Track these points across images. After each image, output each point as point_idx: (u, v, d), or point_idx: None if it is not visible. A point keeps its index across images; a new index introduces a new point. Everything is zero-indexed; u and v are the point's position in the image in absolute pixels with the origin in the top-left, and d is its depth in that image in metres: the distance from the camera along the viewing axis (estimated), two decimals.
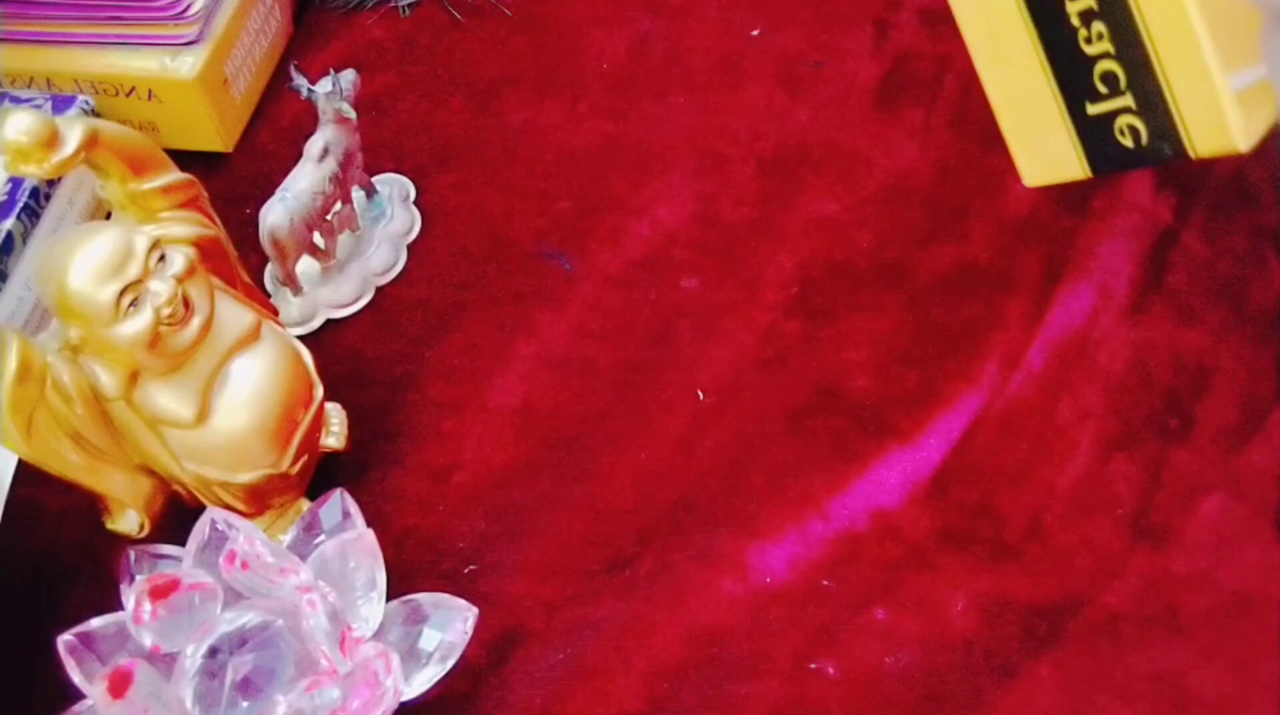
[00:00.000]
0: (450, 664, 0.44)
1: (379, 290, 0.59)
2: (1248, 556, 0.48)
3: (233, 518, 0.44)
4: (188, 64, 0.62)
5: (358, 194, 0.60)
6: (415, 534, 0.51)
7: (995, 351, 0.54)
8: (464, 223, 0.61)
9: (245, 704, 0.41)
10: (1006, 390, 0.53)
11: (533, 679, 0.47)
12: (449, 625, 0.44)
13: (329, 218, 0.57)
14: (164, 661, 0.42)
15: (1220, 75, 0.40)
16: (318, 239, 0.57)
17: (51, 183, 0.58)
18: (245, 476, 0.46)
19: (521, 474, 0.53)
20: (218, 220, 0.48)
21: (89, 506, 0.48)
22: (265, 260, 0.57)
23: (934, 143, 0.61)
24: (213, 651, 0.42)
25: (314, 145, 0.55)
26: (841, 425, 0.53)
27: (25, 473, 0.50)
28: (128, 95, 0.63)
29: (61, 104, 0.60)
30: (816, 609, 0.48)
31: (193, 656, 0.42)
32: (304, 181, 0.55)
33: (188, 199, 0.46)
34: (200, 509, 0.45)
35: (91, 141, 0.41)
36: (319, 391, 0.49)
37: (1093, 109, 0.44)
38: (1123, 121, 0.44)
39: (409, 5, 0.72)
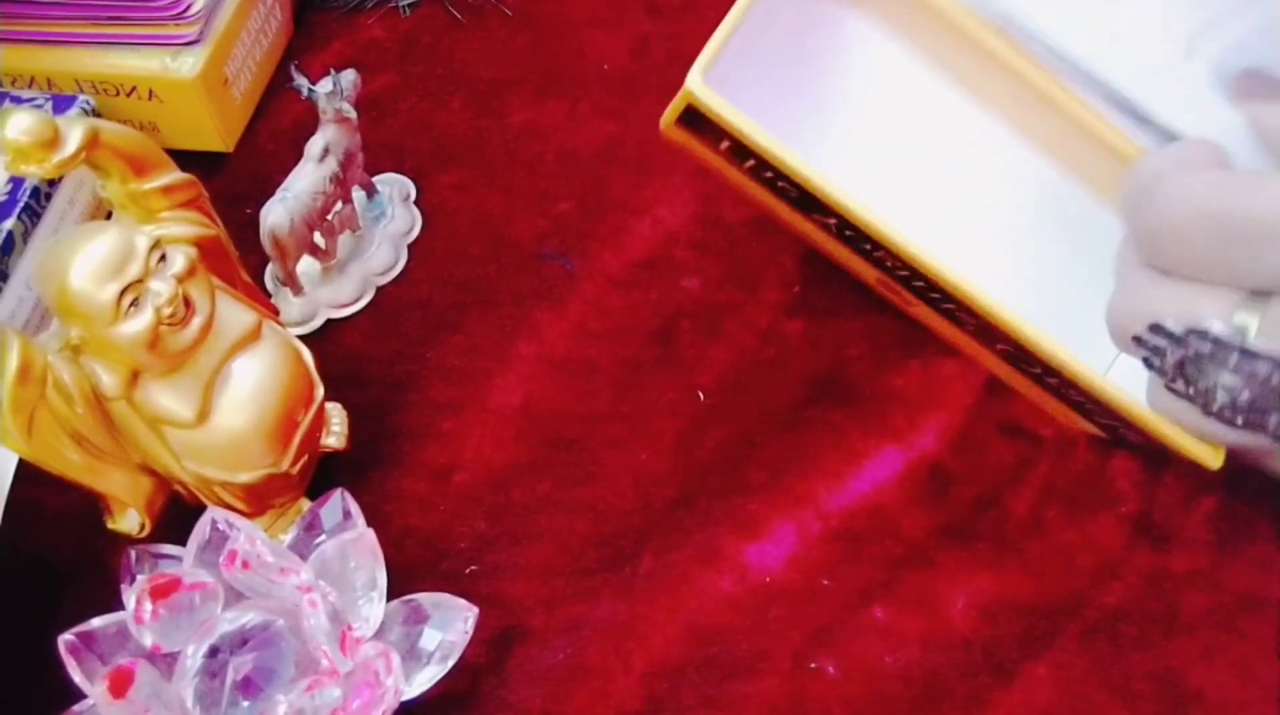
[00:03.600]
0: (450, 664, 0.44)
1: (379, 290, 0.59)
2: (1248, 555, 0.48)
3: (233, 517, 0.44)
4: (188, 64, 0.62)
5: (358, 194, 0.60)
6: (415, 534, 0.51)
7: None
8: (464, 223, 0.61)
9: (246, 703, 0.41)
10: (1006, 391, 0.53)
11: (533, 679, 0.47)
12: (449, 625, 0.44)
13: (329, 218, 0.57)
14: (164, 661, 0.42)
15: None
16: (318, 239, 0.57)
17: (52, 183, 0.58)
18: (245, 476, 0.46)
19: (522, 474, 0.53)
20: (218, 220, 0.48)
21: (89, 506, 0.48)
22: (265, 260, 0.57)
23: None
24: (213, 651, 0.42)
25: (314, 145, 0.55)
26: (842, 424, 0.53)
27: (25, 473, 0.50)
28: (128, 95, 0.63)
29: (62, 104, 0.60)
30: (816, 608, 0.48)
31: (193, 656, 0.42)
32: (304, 181, 0.55)
33: (188, 199, 0.46)
34: (201, 509, 0.45)
35: (92, 141, 0.41)
36: (319, 391, 0.49)
37: None
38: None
39: (409, 5, 0.72)
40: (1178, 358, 0.40)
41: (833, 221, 0.47)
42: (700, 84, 0.45)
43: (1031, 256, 0.49)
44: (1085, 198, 0.48)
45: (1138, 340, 0.41)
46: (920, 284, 0.47)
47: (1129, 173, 0.43)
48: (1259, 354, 0.37)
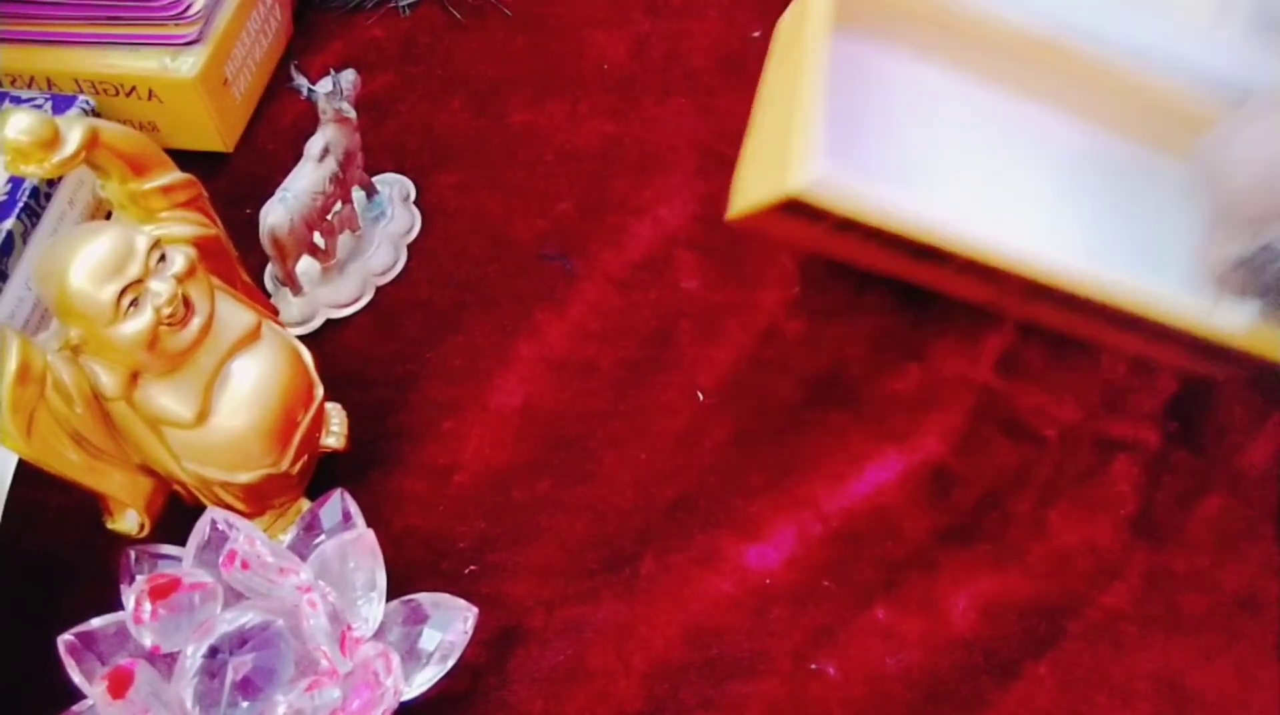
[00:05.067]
0: (450, 664, 0.44)
1: (379, 290, 0.59)
2: (1247, 556, 0.48)
3: (233, 518, 0.44)
4: (188, 64, 0.62)
5: (358, 194, 0.60)
6: (415, 534, 0.51)
7: (996, 351, 0.54)
8: (464, 223, 0.61)
9: (245, 704, 0.41)
10: (1008, 391, 0.53)
11: (533, 679, 0.47)
12: (449, 625, 0.44)
13: (329, 218, 0.57)
14: (164, 661, 0.42)
15: None
16: (318, 239, 0.57)
17: (52, 183, 0.58)
18: (245, 476, 0.46)
19: (521, 474, 0.53)
20: (218, 220, 0.48)
21: (89, 506, 0.48)
22: (265, 260, 0.57)
23: None
24: (213, 651, 0.42)
25: (314, 145, 0.55)
26: (842, 425, 0.53)
27: (25, 473, 0.50)
28: (128, 95, 0.63)
29: (62, 104, 0.60)
30: (817, 609, 0.48)
31: (193, 656, 0.42)
32: (304, 181, 0.55)
33: (188, 199, 0.46)
34: (200, 509, 0.45)
35: (92, 141, 0.41)
36: (319, 391, 0.49)
37: None
38: None
39: (409, 5, 0.72)
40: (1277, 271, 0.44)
41: (953, 264, 0.48)
42: (806, 186, 0.45)
43: (1119, 223, 0.51)
44: (1160, 158, 0.50)
45: (1238, 261, 0.45)
46: (1042, 290, 0.48)
47: (1201, 147, 0.46)
48: None
